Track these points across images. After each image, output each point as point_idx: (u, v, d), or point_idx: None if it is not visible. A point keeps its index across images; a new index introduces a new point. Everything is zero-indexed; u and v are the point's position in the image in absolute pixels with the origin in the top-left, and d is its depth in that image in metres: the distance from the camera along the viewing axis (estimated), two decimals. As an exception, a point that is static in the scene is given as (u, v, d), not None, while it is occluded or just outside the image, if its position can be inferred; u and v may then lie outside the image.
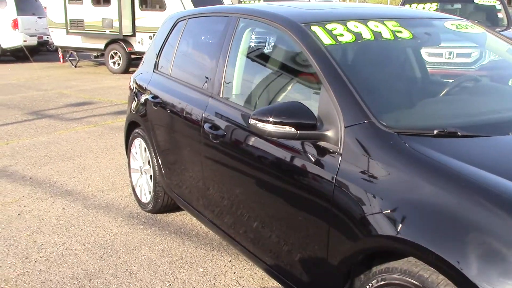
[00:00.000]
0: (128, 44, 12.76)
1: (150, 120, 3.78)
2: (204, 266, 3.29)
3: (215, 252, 3.47)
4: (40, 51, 16.74)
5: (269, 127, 2.19)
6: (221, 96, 3.00)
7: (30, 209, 4.23)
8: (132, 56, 12.94)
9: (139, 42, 12.63)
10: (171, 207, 4.05)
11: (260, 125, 2.22)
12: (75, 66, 14.20)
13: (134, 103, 4.13)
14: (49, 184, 4.84)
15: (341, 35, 2.52)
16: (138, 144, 4.14)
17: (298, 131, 2.16)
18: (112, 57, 12.98)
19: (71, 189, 4.70)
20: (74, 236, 3.74)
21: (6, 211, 4.19)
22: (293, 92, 2.71)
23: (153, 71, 3.95)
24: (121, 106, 8.68)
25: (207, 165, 3.04)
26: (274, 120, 2.17)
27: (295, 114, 2.18)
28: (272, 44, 3.02)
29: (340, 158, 2.09)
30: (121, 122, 7.44)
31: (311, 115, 2.19)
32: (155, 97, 3.70)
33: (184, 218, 4.06)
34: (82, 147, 6.14)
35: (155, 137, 3.74)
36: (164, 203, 3.97)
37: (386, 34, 2.60)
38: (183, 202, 3.53)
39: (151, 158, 3.87)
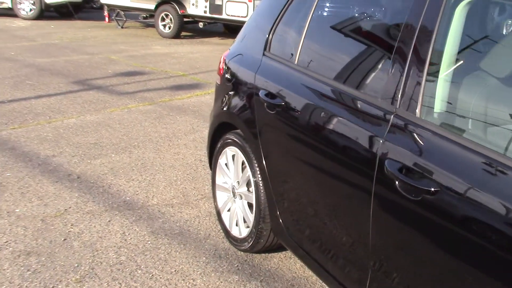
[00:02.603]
0: (181, 5, 11.51)
1: (260, 127, 2.57)
2: None
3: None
4: (84, 8, 15.63)
5: None
6: (418, 115, 1.76)
7: (79, 231, 3.12)
8: (185, 20, 11.69)
9: (193, 5, 11.37)
10: (273, 246, 2.88)
11: None
12: (122, 27, 13.05)
13: (228, 97, 2.93)
14: (102, 189, 3.72)
15: None
16: (232, 155, 2.95)
17: None
18: (163, 19, 11.76)
19: (130, 200, 3.57)
20: (142, 287, 2.62)
21: (48, 233, 3.09)
22: None
23: (263, 54, 2.71)
24: (177, 78, 7.51)
25: (382, 231, 1.82)
26: None
27: None
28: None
29: None
30: (180, 100, 6.28)
31: None
32: (271, 95, 2.48)
33: (293, 264, 2.89)
34: (138, 133, 5.00)
35: (266, 152, 2.54)
36: (267, 244, 2.79)
37: None
38: (310, 258, 2.34)
39: (255, 180, 2.68)
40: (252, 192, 2.77)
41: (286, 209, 2.48)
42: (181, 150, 4.61)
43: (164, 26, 11.78)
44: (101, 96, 6.29)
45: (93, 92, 6.46)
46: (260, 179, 2.65)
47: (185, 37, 12.04)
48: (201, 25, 11.67)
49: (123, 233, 3.13)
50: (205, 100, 6.38)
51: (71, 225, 3.20)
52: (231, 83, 2.94)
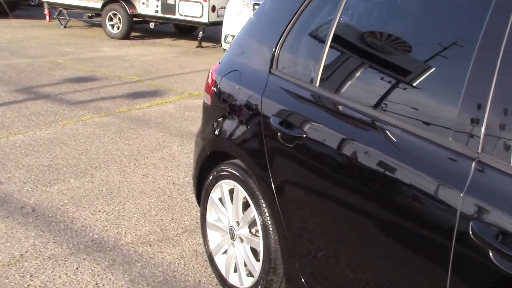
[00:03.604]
0: (130, 4, 10.84)
1: (271, 160, 2.13)
2: None
3: None
4: (21, 5, 14.58)
5: None
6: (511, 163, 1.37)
7: (41, 284, 2.57)
8: (134, 19, 11.02)
9: (143, 3, 10.74)
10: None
11: None
12: (65, 27, 12.17)
13: (224, 122, 2.47)
14: (64, 224, 3.17)
15: None
16: (228, 190, 2.50)
17: None
18: (111, 19, 11.03)
19: (99, 238, 3.04)
20: None
21: (2, 289, 2.53)
22: None
23: (269, 72, 2.26)
24: (133, 85, 6.92)
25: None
26: None
27: None
28: None
29: None
30: (140, 110, 5.72)
31: None
32: (286, 124, 2.04)
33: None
34: (98, 151, 4.43)
35: (280, 191, 2.10)
36: (276, 297, 2.35)
37: None
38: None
39: (263, 223, 2.23)
40: (258, 236, 2.32)
41: (308, 261, 2.05)
42: (149, 171, 4.09)
43: (112, 26, 11.06)
44: (50, 107, 5.63)
45: (41, 102, 5.78)
46: (269, 221, 2.21)
47: (134, 37, 11.37)
48: (152, 25, 11.04)
49: (96, 284, 2.61)
50: (167, 110, 5.85)
51: (30, 276, 2.64)
52: (226, 105, 2.47)
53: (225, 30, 7.78)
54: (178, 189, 3.78)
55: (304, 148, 1.95)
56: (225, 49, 7.90)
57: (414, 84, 1.71)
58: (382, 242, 1.66)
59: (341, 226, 1.84)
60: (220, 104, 2.52)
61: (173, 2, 10.38)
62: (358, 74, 1.91)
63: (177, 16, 10.45)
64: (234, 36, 7.82)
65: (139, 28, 12.02)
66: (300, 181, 2.01)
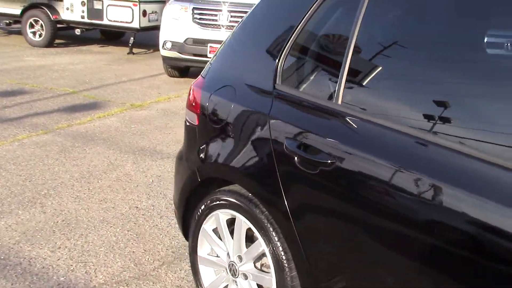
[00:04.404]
0: (53, 10, 10.13)
1: (287, 188, 1.88)
2: None
3: None
4: None
5: None
6: None
7: None
8: (58, 26, 10.31)
9: (68, 9, 10.07)
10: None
11: None
12: (-22, 35, 11.21)
13: (216, 144, 2.18)
14: (20, 267, 2.74)
15: None
16: (225, 220, 2.22)
17: None
18: (32, 26, 10.25)
19: (66, 281, 2.65)
20: None
21: None
22: None
23: (274, 88, 2.01)
24: (68, 97, 6.39)
25: None
26: None
27: None
28: None
29: None
30: (82, 125, 5.25)
31: None
32: (305, 148, 1.80)
33: None
34: (44, 175, 3.96)
35: (302, 224, 1.85)
36: None
37: None
38: None
39: (277, 258, 1.98)
40: (267, 272, 2.07)
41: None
42: (107, 196, 3.69)
43: (34, 33, 10.28)
44: (-22, 126, 5.03)
45: (-34, 121, 5.17)
46: (283, 256, 1.96)
47: (58, 45, 10.64)
48: (78, 31, 10.36)
49: None
50: (111, 124, 5.42)
51: (-8, 337, 2.22)
52: (220, 126, 2.19)
53: (163, 36, 7.40)
54: (143, 214, 3.43)
55: (333, 175, 1.71)
56: (164, 56, 7.52)
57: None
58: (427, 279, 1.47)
59: (382, 262, 1.63)
60: (211, 125, 2.24)
61: (100, 7, 9.81)
62: (400, 88, 1.70)
63: (105, 22, 9.89)
64: (174, 42, 7.49)
65: (62, 34, 11.28)
66: (327, 212, 1.78)
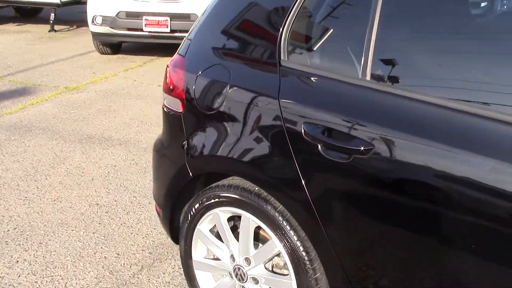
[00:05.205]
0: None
1: (309, 179, 1.62)
2: None
3: None
4: None
5: None
6: None
7: None
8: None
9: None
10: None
11: None
12: None
13: (212, 134, 1.89)
14: (-25, 291, 2.33)
15: None
16: (226, 220, 1.94)
17: None
18: None
19: (34, 301, 2.28)
20: None
21: None
22: None
23: (280, 65, 1.72)
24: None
25: None
26: None
27: None
28: None
29: None
30: (14, 115, 4.70)
31: None
32: (329, 132, 1.55)
33: None
34: (-19, 176, 3.47)
35: (334, 224, 1.62)
36: None
37: None
38: None
39: (299, 260, 1.73)
40: (284, 275, 1.82)
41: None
42: (60, 194, 3.28)
43: None
44: None
45: None
46: (305, 257, 1.72)
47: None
48: (-10, 9, 9.42)
49: None
50: (48, 111, 4.89)
51: None
52: (212, 112, 1.88)
53: (92, 11, 6.80)
54: (106, 212, 3.07)
55: (371, 164, 1.47)
56: (94, 32, 6.94)
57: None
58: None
59: (436, 262, 1.43)
60: (202, 111, 1.92)
61: (14, -19, 8.93)
62: (433, 59, 1.47)
63: (21, -3, 9.03)
64: (104, 16, 6.91)
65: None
66: (363, 206, 1.54)
